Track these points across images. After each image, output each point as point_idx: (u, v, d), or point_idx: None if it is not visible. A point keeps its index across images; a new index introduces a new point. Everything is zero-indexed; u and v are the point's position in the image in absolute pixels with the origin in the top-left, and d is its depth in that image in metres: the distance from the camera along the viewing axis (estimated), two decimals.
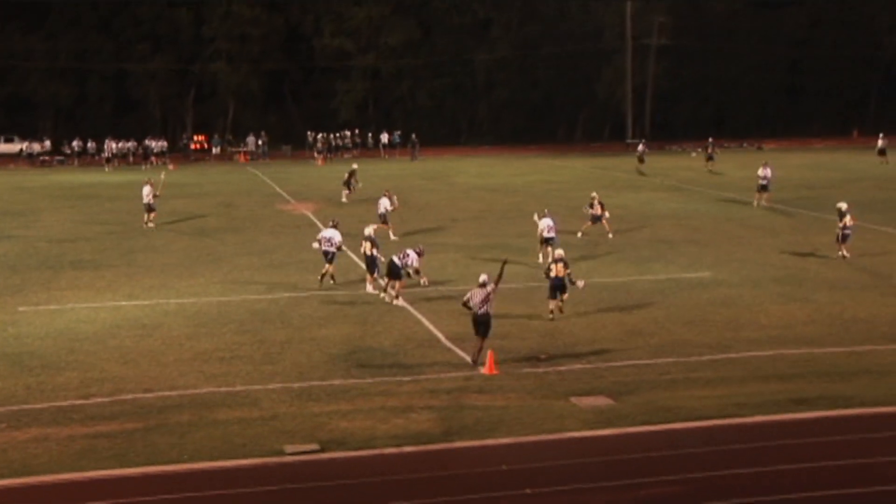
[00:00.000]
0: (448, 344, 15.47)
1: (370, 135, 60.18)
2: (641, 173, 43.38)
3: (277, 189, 39.00)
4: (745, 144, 59.91)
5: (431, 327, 16.48)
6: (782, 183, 35.54)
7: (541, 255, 23.44)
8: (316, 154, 54.62)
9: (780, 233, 26.57)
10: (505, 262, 15.01)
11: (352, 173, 32.98)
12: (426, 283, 18.46)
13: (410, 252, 18.21)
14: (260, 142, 57.58)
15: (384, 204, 26.55)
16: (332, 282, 19.75)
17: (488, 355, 13.99)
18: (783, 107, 71.73)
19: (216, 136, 59.98)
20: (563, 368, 14.15)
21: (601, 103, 69.41)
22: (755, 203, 31.63)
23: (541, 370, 14.09)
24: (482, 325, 14.35)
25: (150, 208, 28.12)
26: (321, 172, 47.86)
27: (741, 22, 69.68)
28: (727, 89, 69.61)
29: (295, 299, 18.78)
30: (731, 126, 65.27)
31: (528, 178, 41.34)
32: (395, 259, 17.94)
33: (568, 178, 43.46)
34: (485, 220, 28.80)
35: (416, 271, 17.81)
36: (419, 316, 17.27)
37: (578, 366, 14.27)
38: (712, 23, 68.96)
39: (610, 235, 25.95)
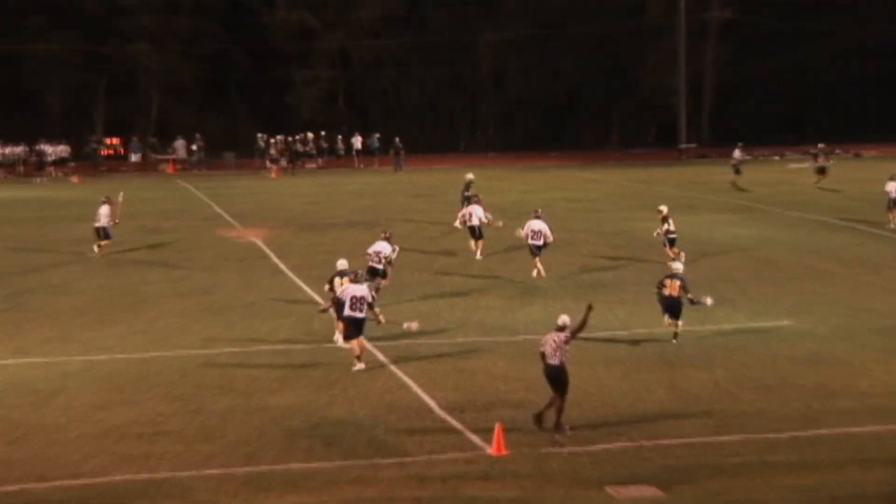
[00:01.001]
0: (442, 415, 15.47)
1: (340, 139, 60.52)
2: (738, 188, 43.56)
3: (217, 209, 39.08)
4: (837, 151, 60.39)
5: (420, 392, 16.48)
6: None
7: (534, 271, 24.50)
8: (269, 163, 54.90)
9: (884, 267, 26.69)
10: (590, 308, 15.17)
11: (468, 185, 33.08)
12: (385, 322, 18.35)
13: (361, 289, 17.83)
14: (194, 147, 57.86)
15: (477, 213, 27.53)
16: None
17: (495, 430, 13.99)
18: (886, 104, 72.04)
19: (135, 140, 60.21)
20: (595, 448, 14.16)
21: (644, 98, 69.94)
22: (892, 224, 32.34)
23: (566, 450, 14.08)
24: (551, 379, 14.69)
25: (104, 234, 28.82)
26: (276, 187, 48.02)
27: None
28: (810, 80, 70.09)
29: (241, 356, 18.77)
30: (815, 127, 65.75)
31: (547, 195, 41.53)
32: (355, 313, 17.57)
33: (598, 194, 43.64)
34: (490, 248, 28.88)
35: (370, 306, 17.81)
36: (404, 378, 17.27)
37: (616, 444, 14.30)
38: None
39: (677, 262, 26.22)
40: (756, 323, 20.98)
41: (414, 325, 18.67)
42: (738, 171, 44.77)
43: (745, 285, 24.50)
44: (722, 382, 17.02)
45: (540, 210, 26.28)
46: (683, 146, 62.89)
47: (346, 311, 17.74)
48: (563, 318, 15.03)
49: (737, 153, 45.71)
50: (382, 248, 22.37)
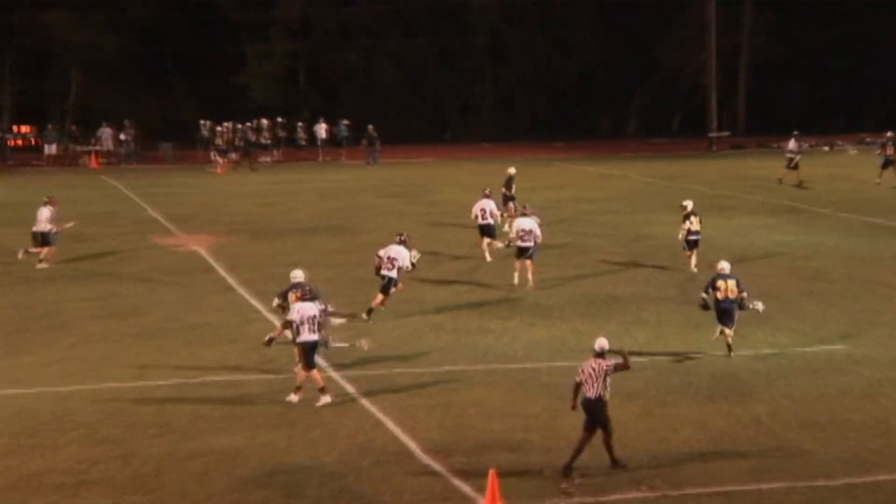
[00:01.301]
0: (425, 459, 15.50)
1: (301, 126, 60.51)
2: (796, 185, 43.67)
3: (152, 212, 39.03)
4: None
5: (399, 432, 16.50)
6: None
7: (515, 275, 25.55)
8: (215, 156, 54.71)
9: None
10: (625, 354, 15.45)
11: (509, 182, 33.77)
12: (332, 346, 18.51)
13: (314, 307, 17.94)
14: (123, 136, 57.68)
15: (490, 208, 28.73)
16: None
17: (489, 477, 14.00)
18: None
19: (50, 128, 60.04)
20: (610, 498, 14.21)
21: (668, 78, 70.12)
22: None
23: (574, 500, 14.13)
24: (590, 413, 14.88)
25: (43, 239, 29.11)
26: (223, 185, 47.94)
27: None
28: (865, 56, 70.26)
29: (181, 389, 18.77)
30: (874, 113, 66.02)
31: (552, 195, 41.62)
32: (313, 336, 17.77)
33: (614, 193, 43.76)
34: (483, 259, 28.95)
35: (320, 325, 17.93)
36: (379, 414, 17.29)
37: (636, 494, 14.35)
38: None
39: (694, 269, 26.89)
40: (802, 347, 21.07)
41: (365, 344, 18.71)
42: (794, 166, 44.54)
43: (789, 302, 24.59)
44: (762, 418, 17.08)
45: (528, 206, 26.85)
46: (714, 135, 63.04)
47: (305, 335, 17.77)
48: (601, 342, 15.19)
49: (792, 143, 45.46)
50: (398, 253, 22.89)
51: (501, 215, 29.65)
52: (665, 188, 44.40)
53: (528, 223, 25.81)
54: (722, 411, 17.42)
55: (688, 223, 27.03)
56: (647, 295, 25.31)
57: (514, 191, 33.68)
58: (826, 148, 59.42)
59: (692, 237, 27.07)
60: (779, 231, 34.06)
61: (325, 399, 17.64)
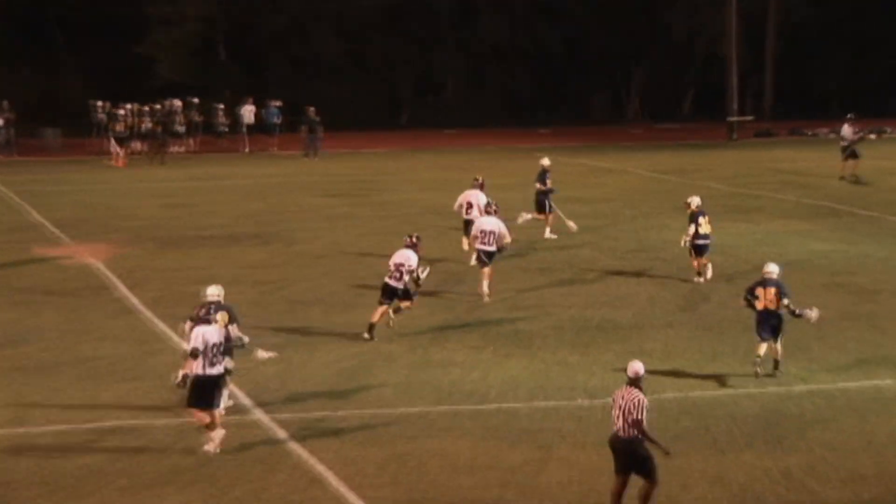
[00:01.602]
0: None
1: (220, 109, 60.34)
2: (856, 180, 44.00)
3: (35, 215, 38.88)
4: None
5: (344, 490, 16.47)
6: None
7: (484, 284, 26.31)
8: (113, 145, 54.43)
9: None
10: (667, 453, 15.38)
11: (544, 175, 34.25)
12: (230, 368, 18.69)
13: (216, 332, 17.98)
14: None
15: (477, 202, 29.61)
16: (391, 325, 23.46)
17: None
18: None
19: None
20: None
21: (677, 51, 70.38)
22: None
23: None
24: (617, 454, 14.90)
25: None
26: (124, 182, 47.77)
27: None
28: None
29: (71, 436, 18.66)
30: None
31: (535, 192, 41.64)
32: (214, 368, 17.76)
33: (611, 191, 43.90)
34: (449, 274, 28.99)
35: (227, 351, 18.01)
36: (318, 467, 17.25)
37: None
38: None
39: (701, 279, 27.49)
40: (843, 382, 21.13)
41: (261, 354, 18.99)
42: (854, 155, 44.70)
43: (828, 326, 24.57)
44: (794, 471, 17.12)
45: (494, 204, 27.42)
46: (735, 119, 63.33)
47: (205, 368, 17.71)
48: (635, 367, 15.11)
49: (846, 129, 45.65)
50: (406, 258, 23.31)
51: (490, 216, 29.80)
52: (674, 186, 44.55)
53: (492, 223, 26.47)
54: (745, 463, 17.45)
55: (694, 225, 27.14)
56: (652, 317, 25.39)
57: (549, 184, 33.84)
58: (872, 136, 59.58)
59: (700, 241, 27.25)
60: (816, 238, 34.24)
61: (208, 448, 17.58)
